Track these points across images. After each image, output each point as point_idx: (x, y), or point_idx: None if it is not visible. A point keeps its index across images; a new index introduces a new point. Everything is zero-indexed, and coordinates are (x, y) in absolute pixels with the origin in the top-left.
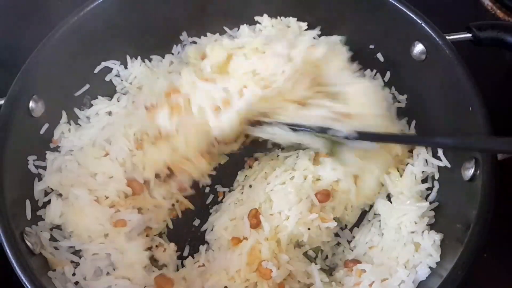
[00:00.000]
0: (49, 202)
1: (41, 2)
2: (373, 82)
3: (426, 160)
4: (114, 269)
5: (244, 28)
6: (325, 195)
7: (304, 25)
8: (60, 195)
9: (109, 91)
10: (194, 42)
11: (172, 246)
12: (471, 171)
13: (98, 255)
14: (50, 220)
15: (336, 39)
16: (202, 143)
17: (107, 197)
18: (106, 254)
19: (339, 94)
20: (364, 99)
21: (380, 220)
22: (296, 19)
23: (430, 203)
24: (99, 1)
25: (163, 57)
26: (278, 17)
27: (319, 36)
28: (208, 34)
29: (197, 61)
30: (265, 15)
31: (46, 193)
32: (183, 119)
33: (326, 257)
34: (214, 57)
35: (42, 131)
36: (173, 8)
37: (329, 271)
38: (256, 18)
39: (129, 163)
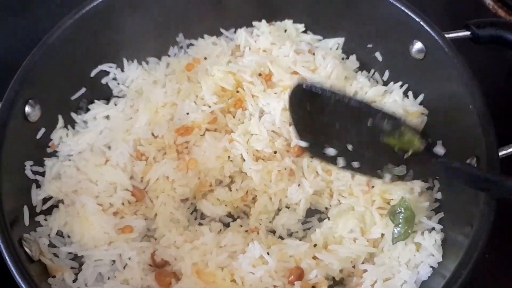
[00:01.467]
0: (48, 208)
1: (40, 2)
2: None
3: None
4: (115, 275)
5: (242, 32)
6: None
7: (301, 27)
8: (60, 201)
9: (106, 95)
10: (192, 44)
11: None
12: None
13: (101, 261)
14: (55, 228)
15: (334, 42)
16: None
17: (111, 205)
18: (109, 260)
19: None
20: None
21: None
22: (292, 21)
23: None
24: (94, 4)
25: (159, 59)
26: (274, 22)
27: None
28: (205, 36)
29: None
30: (263, 21)
31: (45, 199)
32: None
33: None
34: None
35: (38, 136)
36: (169, 9)
37: None
38: (254, 23)
39: (129, 169)
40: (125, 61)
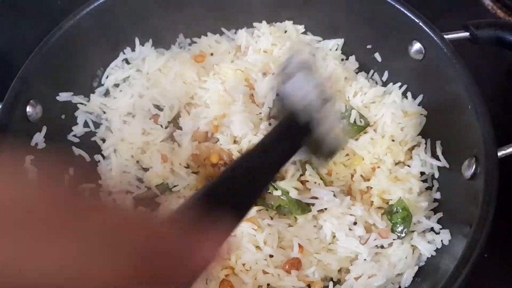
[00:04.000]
0: None
1: (41, 2)
2: None
3: (425, 160)
4: None
5: (243, 32)
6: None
7: (301, 28)
8: None
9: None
10: (194, 42)
11: None
12: (472, 169)
13: None
14: None
15: (334, 43)
16: None
17: None
18: None
19: None
20: None
21: None
22: (291, 22)
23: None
24: (95, 5)
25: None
26: (274, 23)
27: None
28: (208, 33)
29: None
30: (264, 22)
31: None
32: None
33: None
34: None
35: (40, 137)
36: (168, 10)
37: None
38: (255, 24)
39: None
40: (125, 64)
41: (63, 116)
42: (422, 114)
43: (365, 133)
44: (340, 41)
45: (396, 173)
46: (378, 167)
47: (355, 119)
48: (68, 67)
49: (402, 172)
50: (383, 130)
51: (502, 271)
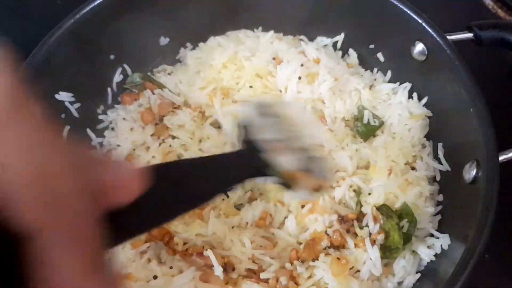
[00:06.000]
0: None
1: (41, 2)
2: None
3: (427, 163)
4: None
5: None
6: None
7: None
8: None
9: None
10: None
11: None
12: (473, 173)
13: None
14: None
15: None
16: None
17: None
18: None
19: None
20: None
21: None
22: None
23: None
24: (94, 4)
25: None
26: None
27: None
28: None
29: None
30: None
31: None
32: None
33: None
34: None
35: None
36: (172, 13)
37: None
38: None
39: None
40: (126, 66)
41: (62, 116)
42: (427, 116)
43: (374, 136)
44: (340, 37)
45: (406, 175)
46: (390, 171)
47: (368, 120)
48: (68, 67)
49: (412, 175)
50: (390, 131)
51: (503, 272)
